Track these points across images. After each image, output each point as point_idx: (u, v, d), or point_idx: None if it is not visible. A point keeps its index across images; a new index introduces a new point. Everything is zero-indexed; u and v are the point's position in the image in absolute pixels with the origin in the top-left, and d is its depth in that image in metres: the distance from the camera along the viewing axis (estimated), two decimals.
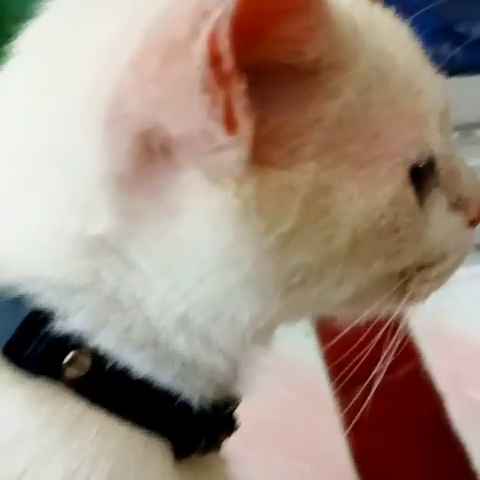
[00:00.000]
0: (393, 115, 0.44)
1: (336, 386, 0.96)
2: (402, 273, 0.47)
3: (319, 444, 0.94)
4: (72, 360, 0.43)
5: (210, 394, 0.46)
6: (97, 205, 0.41)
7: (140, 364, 0.44)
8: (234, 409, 0.49)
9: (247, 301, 0.42)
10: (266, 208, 0.40)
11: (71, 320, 0.43)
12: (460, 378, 1.06)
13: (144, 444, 0.44)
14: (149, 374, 0.44)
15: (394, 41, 0.46)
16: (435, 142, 0.46)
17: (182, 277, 0.42)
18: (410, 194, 0.44)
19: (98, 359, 0.43)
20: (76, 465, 0.42)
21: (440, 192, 0.48)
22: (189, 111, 0.38)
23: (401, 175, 0.44)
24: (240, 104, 0.38)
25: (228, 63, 0.37)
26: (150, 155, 0.40)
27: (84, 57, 0.41)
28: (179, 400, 0.45)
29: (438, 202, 0.47)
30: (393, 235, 0.44)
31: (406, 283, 0.47)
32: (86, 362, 0.43)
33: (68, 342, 0.43)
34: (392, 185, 0.43)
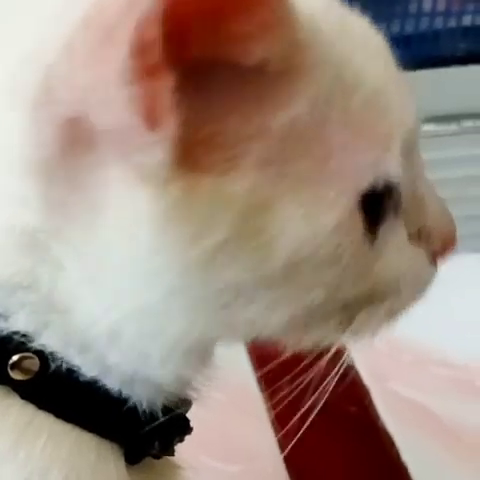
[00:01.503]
0: (350, 135, 0.40)
1: (265, 386, 0.97)
2: (346, 305, 0.43)
3: (248, 444, 0.93)
4: (18, 362, 0.41)
5: (159, 399, 0.44)
6: (24, 194, 0.38)
7: (85, 367, 0.42)
8: (186, 412, 0.47)
9: (174, 315, 0.40)
10: (194, 216, 0.37)
11: (13, 320, 0.40)
12: (382, 372, 1.07)
13: (96, 450, 0.42)
14: (95, 377, 0.42)
15: (366, 52, 0.42)
16: (395, 167, 0.42)
17: (107, 285, 0.40)
18: (358, 223, 0.41)
19: (43, 361, 0.41)
20: (25, 476, 0.40)
21: (400, 221, 0.44)
22: (113, 102, 0.34)
23: (350, 201, 0.40)
24: (166, 100, 0.34)
25: (155, 54, 0.33)
26: (77, 145, 0.37)
27: (19, 34, 0.39)
28: (128, 404, 0.43)
29: (396, 232, 0.44)
30: (335, 265, 0.41)
31: (352, 316, 0.44)
32: (32, 365, 0.41)
33: (11, 343, 0.40)
34: (338, 211, 0.40)
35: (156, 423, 0.44)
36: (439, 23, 1.19)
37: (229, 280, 0.39)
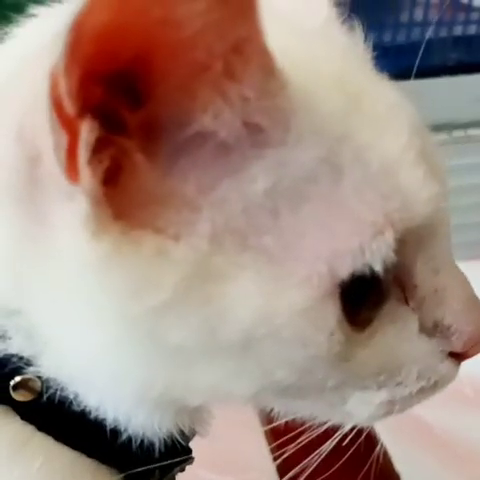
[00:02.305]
0: (332, 216, 0.37)
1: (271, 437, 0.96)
2: (333, 388, 0.41)
3: (241, 455, 0.93)
4: (21, 383, 0.41)
5: (160, 436, 0.43)
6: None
7: (79, 396, 0.41)
8: (188, 441, 0.47)
9: (131, 365, 0.39)
10: (134, 272, 0.36)
11: (11, 343, 0.40)
12: None
13: (92, 474, 0.42)
14: (90, 407, 0.41)
15: (380, 128, 0.39)
16: (384, 256, 0.37)
17: (67, 327, 0.39)
18: (333, 309, 0.37)
19: (45, 384, 0.41)
20: None
21: (409, 309, 0.41)
22: (46, 149, 0.34)
23: (323, 286, 0.37)
24: (83, 153, 0.34)
25: (69, 108, 0.33)
26: (37, 181, 0.37)
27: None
28: (124, 435, 0.42)
29: (401, 320, 0.41)
30: (302, 349, 0.38)
31: (343, 400, 0.42)
32: (35, 386, 0.41)
33: (11, 365, 0.40)
34: (304, 294, 0.37)
35: (156, 452, 0.44)
36: (430, 33, 1.19)
37: (180, 342, 0.37)
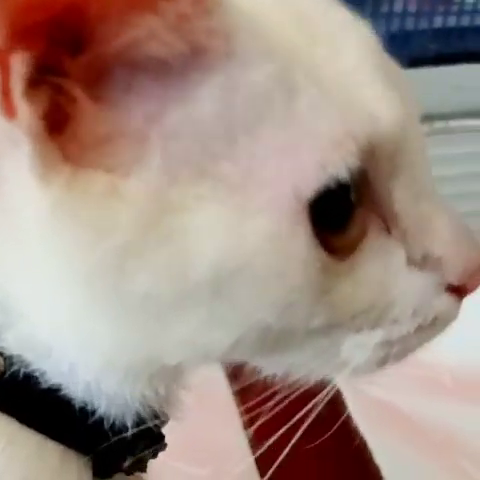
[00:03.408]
0: (290, 136, 0.36)
1: (233, 385, 0.96)
2: (323, 332, 0.39)
3: (218, 445, 0.93)
4: None
5: (129, 414, 0.42)
6: None
7: (48, 372, 0.40)
8: (160, 427, 0.46)
9: (100, 326, 0.37)
10: (88, 217, 0.35)
11: None
12: None
13: (59, 459, 0.41)
14: (58, 385, 0.40)
15: (332, 47, 0.38)
16: (350, 165, 0.36)
17: (34, 291, 0.38)
18: (301, 234, 0.36)
19: (6, 362, 0.39)
20: None
21: (394, 241, 0.40)
22: None
23: (288, 209, 0.36)
24: (17, 86, 0.32)
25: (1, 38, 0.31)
26: None
27: None
28: (94, 416, 0.41)
29: (387, 253, 0.39)
30: (276, 281, 0.36)
31: (334, 345, 0.40)
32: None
33: None
34: (269, 220, 0.35)
35: (124, 436, 0.43)
36: (410, 24, 1.19)
37: (147, 290, 0.36)
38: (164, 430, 0.47)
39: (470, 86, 1.19)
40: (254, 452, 0.92)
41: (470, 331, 1.11)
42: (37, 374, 0.40)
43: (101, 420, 0.42)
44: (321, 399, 0.43)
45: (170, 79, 0.35)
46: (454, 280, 0.41)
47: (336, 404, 1.03)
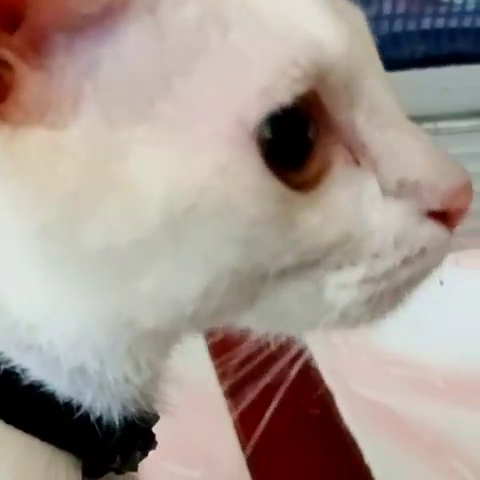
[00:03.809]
0: (230, 69, 0.35)
1: (225, 386, 0.96)
2: (298, 271, 0.37)
3: (209, 447, 0.92)
4: None
5: (115, 407, 0.42)
6: None
7: (30, 367, 0.39)
8: (151, 426, 0.45)
9: (62, 289, 0.37)
10: (32, 171, 0.34)
11: None
12: (344, 374, 1.07)
13: (47, 459, 0.40)
14: (42, 380, 0.40)
15: None
16: (296, 90, 0.35)
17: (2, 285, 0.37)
18: (251, 164, 0.35)
19: None
20: None
21: (364, 171, 0.38)
22: None
23: (234, 140, 0.35)
24: None
25: None
26: None
27: None
28: (80, 412, 0.40)
29: (357, 183, 0.38)
30: (233, 217, 0.35)
31: (316, 284, 0.38)
32: None
33: None
34: (216, 153, 0.35)
35: (113, 434, 0.42)
36: (399, 26, 1.20)
37: (103, 245, 0.35)
38: (155, 430, 0.46)
39: (458, 88, 1.20)
40: (245, 454, 0.92)
41: (462, 333, 1.12)
42: (18, 371, 0.39)
43: (87, 416, 0.41)
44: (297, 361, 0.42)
45: (100, 33, 0.35)
46: (436, 205, 0.39)
47: (327, 405, 1.05)
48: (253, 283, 0.37)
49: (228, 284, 0.36)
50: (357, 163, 0.38)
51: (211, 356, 0.95)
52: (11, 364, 0.39)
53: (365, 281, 0.38)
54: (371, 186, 0.38)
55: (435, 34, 1.21)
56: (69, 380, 0.40)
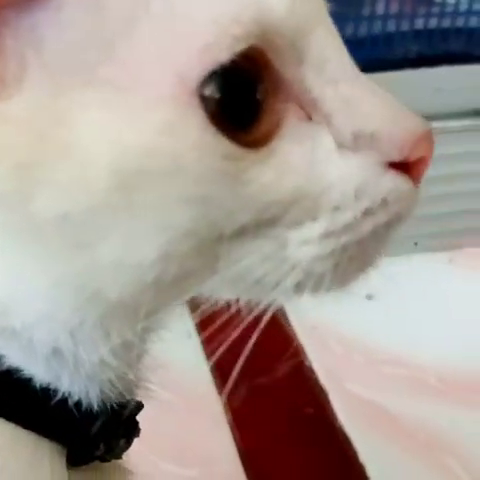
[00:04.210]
0: (171, 30, 0.35)
1: (220, 386, 0.97)
2: (262, 230, 0.37)
3: (205, 446, 0.92)
4: None
5: (95, 393, 0.42)
6: None
7: (6, 353, 0.40)
8: (134, 414, 0.46)
9: (25, 259, 0.37)
10: None
11: None
12: (338, 373, 1.07)
13: (32, 447, 0.41)
14: (18, 365, 0.40)
15: None
16: (238, 48, 0.35)
17: None
18: (194, 122, 0.35)
19: None
20: None
21: (317, 126, 0.38)
22: None
23: (176, 99, 0.35)
24: None
25: None
26: None
27: None
28: (58, 398, 0.41)
29: (310, 138, 0.38)
30: (181, 176, 0.35)
31: (277, 241, 0.38)
32: None
33: None
34: (159, 113, 0.35)
35: (97, 424, 0.42)
36: (392, 26, 1.20)
37: (56, 213, 0.35)
38: (141, 420, 0.46)
39: (451, 88, 1.20)
40: (241, 453, 0.92)
41: (456, 332, 1.12)
42: None
43: (66, 402, 0.41)
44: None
45: (38, 5, 0.35)
46: (395, 155, 0.39)
47: (321, 403, 1.05)
48: (211, 244, 0.37)
49: (185, 246, 0.36)
50: (310, 119, 0.38)
51: (206, 355, 0.96)
52: None
53: (326, 235, 0.38)
54: (325, 140, 0.38)
55: (428, 34, 1.21)
56: (45, 363, 0.40)
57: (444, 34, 1.22)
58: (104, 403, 0.43)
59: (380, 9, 1.19)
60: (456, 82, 1.21)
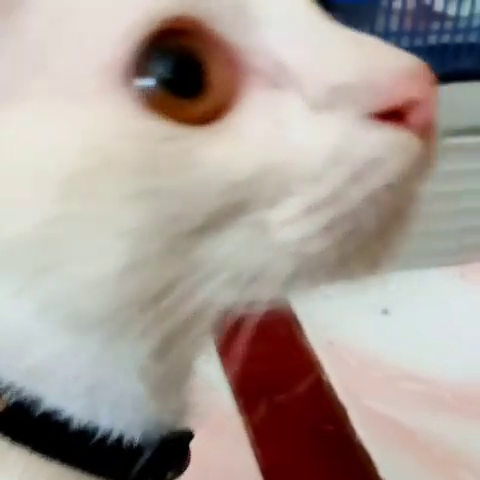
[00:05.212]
0: (89, 17, 0.33)
1: (240, 402, 0.97)
2: (236, 217, 0.33)
3: (227, 464, 0.92)
4: None
5: (138, 428, 0.41)
6: None
7: (47, 396, 0.39)
8: (185, 443, 0.45)
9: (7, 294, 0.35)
10: None
11: None
12: (356, 389, 1.07)
13: None
14: (58, 407, 0.39)
15: None
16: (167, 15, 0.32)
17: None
18: (124, 111, 0.33)
19: (13, 393, 0.38)
20: None
21: (285, 92, 0.34)
22: None
23: (103, 91, 0.33)
24: None
25: None
26: None
27: None
28: (100, 434, 0.40)
29: (272, 107, 0.34)
30: (120, 171, 0.32)
31: (264, 230, 0.34)
32: (5, 396, 0.38)
33: None
34: (86, 109, 0.33)
35: (143, 457, 0.41)
36: (405, 42, 1.20)
37: (8, 235, 0.33)
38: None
39: (463, 105, 1.20)
40: (262, 470, 0.93)
41: (470, 348, 1.13)
42: (37, 400, 0.39)
43: (108, 438, 0.40)
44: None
45: None
46: (377, 103, 0.34)
47: (340, 419, 1.05)
48: (182, 242, 0.33)
49: (152, 249, 0.33)
50: (275, 85, 0.34)
51: (226, 374, 0.96)
52: (25, 394, 0.39)
53: (309, 210, 0.34)
54: (292, 105, 0.34)
55: (441, 50, 1.22)
56: (82, 402, 0.40)
57: (456, 50, 1.22)
58: (150, 435, 0.42)
59: (394, 25, 1.20)
60: (467, 99, 1.21)
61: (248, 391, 0.93)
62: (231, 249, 0.34)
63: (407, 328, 1.14)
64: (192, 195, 0.33)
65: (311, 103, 0.34)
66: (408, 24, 1.19)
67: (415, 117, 0.34)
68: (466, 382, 1.08)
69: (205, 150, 0.33)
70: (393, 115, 0.34)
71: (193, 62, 0.33)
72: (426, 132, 0.34)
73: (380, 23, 1.19)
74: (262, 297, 0.35)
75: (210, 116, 0.34)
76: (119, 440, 0.41)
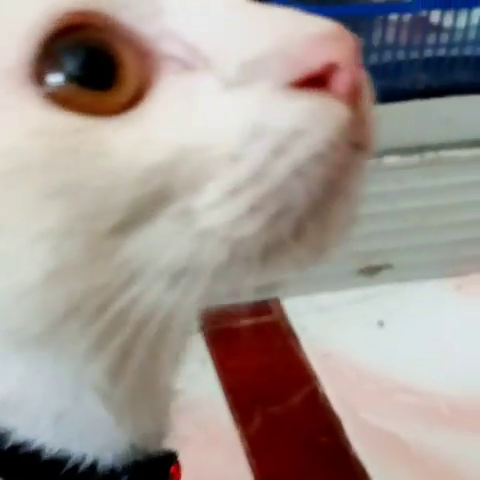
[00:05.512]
0: None
1: (236, 414, 0.97)
2: (156, 210, 0.32)
3: (222, 475, 0.92)
4: None
5: (112, 453, 0.41)
6: None
7: (17, 427, 0.39)
8: (165, 467, 0.43)
9: None
10: None
11: None
12: (351, 402, 1.07)
13: None
14: (28, 437, 0.39)
15: None
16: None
17: None
18: (26, 109, 0.31)
19: None
20: None
21: (197, 74, 0.33)
22: None
23: (6, 92, 0.31)
24: None
25: None
26: None
27: None
28: (72, 462, 0.40)
29: (184, 90, 0.33)
30: (33, 169, 0.31)
31: (191, 218, 0.32)
32: None
33: None
34: None
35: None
36: (401, 55, 1.21)
37: None
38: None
39: (459, 118, 1.21)
40: None
41: (466, 360, 1.13)
42: (1, 434, 0.39)
43: (79, 466, 0.40)
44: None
45: None
46: (294, 73, 0.32)
47: (335, 431, 1.05)
48: (107, 242, 0.32)
49: (74, 251, 0.32)
50: (188, 69, 0.33)
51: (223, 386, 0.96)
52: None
53: (233, 191, 0.32)
54: (205, 85, 0.33)
55: (437, 63, 1.22)
56: (51, 431, 0.39)
57: (452, 63, 1.23)
58: (125, 460, 0.41)
59: (390, 38, 1.20)
60: (463, 113, 1.22)
61: (244, 402, 0.92)
62: (159, 244, 0.32)
63: (403, 340, 1.14)
64: (106, 187, 0.31)
65: (224, 82, 0.32)
66: (404, 37, 1.19)
67: (338, 82, 0.32)
68: (461, 395, 1.08)
69: (114, 139, 0.32)
70: (317, 83, 0.32)
71: (104, 54, 0.33)
72: (353, 96, 0.32)
73: (376, 35, 1.20)
74: (203, 291, 0.33)
75: (126, 106, 0.33)
76: (93, 466, 0.40)
